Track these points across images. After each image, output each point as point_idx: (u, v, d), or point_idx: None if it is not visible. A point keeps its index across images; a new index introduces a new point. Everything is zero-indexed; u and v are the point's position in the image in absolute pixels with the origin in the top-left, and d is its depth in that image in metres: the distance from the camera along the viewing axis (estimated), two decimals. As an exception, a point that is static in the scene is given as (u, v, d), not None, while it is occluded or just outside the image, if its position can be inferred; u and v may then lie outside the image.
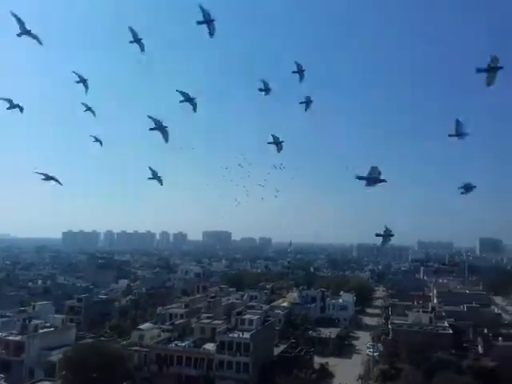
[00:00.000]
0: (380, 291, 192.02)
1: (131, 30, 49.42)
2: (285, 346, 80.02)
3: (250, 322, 73.91)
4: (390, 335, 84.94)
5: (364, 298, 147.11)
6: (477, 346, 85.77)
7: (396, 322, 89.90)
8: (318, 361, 76.40)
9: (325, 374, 71.05)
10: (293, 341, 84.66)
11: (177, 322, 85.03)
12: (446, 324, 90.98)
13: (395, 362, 69.42)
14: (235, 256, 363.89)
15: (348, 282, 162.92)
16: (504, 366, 66.76)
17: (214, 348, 69.38)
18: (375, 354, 79.46)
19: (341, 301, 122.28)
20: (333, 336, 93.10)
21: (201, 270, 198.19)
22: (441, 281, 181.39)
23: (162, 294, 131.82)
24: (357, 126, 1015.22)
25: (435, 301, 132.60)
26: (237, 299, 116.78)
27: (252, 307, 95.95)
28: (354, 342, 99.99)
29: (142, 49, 49.84)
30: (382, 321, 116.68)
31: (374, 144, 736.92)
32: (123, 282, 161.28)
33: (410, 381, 58.76)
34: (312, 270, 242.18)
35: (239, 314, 77.33)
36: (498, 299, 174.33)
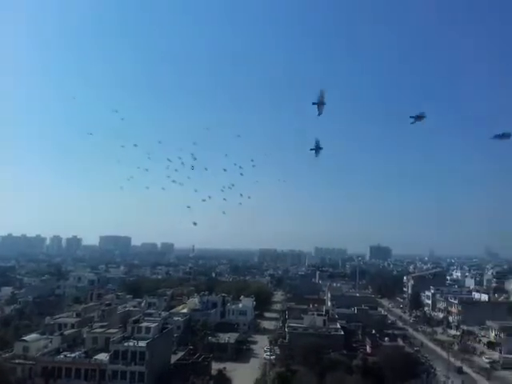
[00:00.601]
0: (279, 295, 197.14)
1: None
2: (183, 353, 78.44)
3: (147, 329, 71.34)
4: (287, 338, 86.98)
5: (263, 302, 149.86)
6: (365, 346, 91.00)
7: (292, 325, 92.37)
8: (216, 367, 75.82)
9: (222, 379, 70.70)
10: (191, 347, 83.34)
11: (66, 332, 79.35)
12: (338, 326, 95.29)
13: (291, 365, 71.06)
14: (134, 262, 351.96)
15: (248, 286, 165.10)
16: (388, 363, 71.61)
17: (107, 358, 65.72)
18: (272, 357, 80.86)
19: (240, 306, 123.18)
20: (232, 341, 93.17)
21: (95, 276, 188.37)
22: (335, 285, 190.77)
23: (50, 302, 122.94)
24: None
25: (329, 304, 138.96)
26: (134, 307, 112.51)
27: (150, 314, 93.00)
28: (253, 347, 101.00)
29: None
30: (279, 324, 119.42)
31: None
32: (6, 290, 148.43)
33: (304, 382, 60.39)
34: (214, 275, 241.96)
35: (136, 322, 74.28)
36: (385, 301, 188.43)
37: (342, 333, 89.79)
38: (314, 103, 51.17)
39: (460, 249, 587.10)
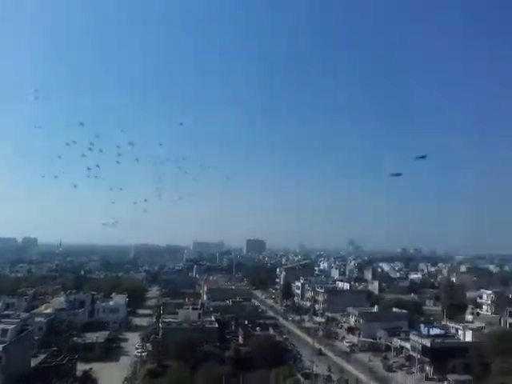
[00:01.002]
0: (154, 291, 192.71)
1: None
2: (45, 355, 72.09)
3: (4, 332, 64.10)
4: (160, 334, 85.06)
5: (137, 298, 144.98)
6: (238, 337, 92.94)
7: (166, 320, 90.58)
8: (82, 367, 71.06)
9: (87, 380, 66.58)
10: (55, 349, 76.99)
11: None
12: (213, 318, 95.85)
13: (163, 360, 69.64)
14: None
15: (121, 283, 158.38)
16: (259, 352, 74.12)
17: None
18: (143, 354, 78.35)
19: (111, 303, 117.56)
20: (100, 340, 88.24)
21: None
22: (211, 278, 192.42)
23: None
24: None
25: (205, 297, 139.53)
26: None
27: (7, 316, 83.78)
28: (123, 345, 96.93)
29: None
30: (153, 320, 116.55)
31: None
32: None
33: (176, 376, 59.53)
34: (83, 272, 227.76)
35: (-11, 324, 66.24)
36: (259, 293, 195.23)
37: (217, 325, 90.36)
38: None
39: (328, 242, 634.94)
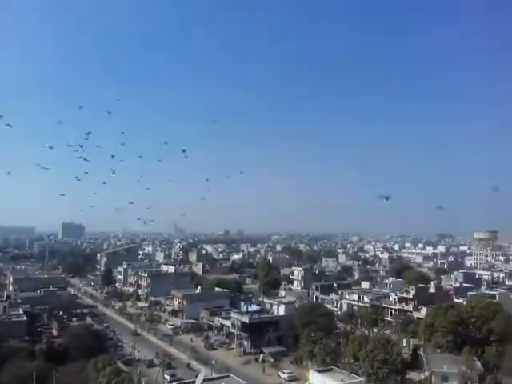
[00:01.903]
0: None
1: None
2: None
3: None
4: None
5: None
6: (51, 329, 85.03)
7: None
8: None
9: None
10: None
11: None
12: (21, 311, 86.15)
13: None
14: None
15: None
16: (75, 343, 68.68)
17: None
18: None
19: None
20: None
21: None
22: (19, 267, 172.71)
23: None
24: None
25: (11, 288, 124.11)
26: None
27: None
28: None
29: None
30: None
31: None
32: None
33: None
34: None
35: None
36: (77, 281, 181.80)
37: (25, 318, 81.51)
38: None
39: (152, 225, 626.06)
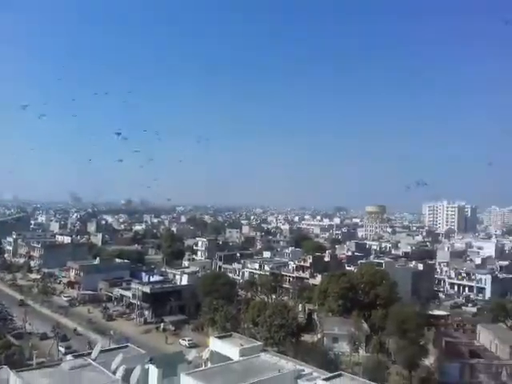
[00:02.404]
0: None
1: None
2: None
3: None
4: None
5: None
6: None
7: None
8: None
9: None
10: None
11: None
12: None
13: None
14: None
15: None
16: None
17: None
18: None
19: None
20: None
21: None
22: None
23: None
24: None
25: None
26: None
27: None
28: None
29: None
30: None
31: None
32: None
33: None
34: None
35: None
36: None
37: None
38: None
39: (47, 194, 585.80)
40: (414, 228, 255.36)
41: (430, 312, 77.91)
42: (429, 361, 54.86)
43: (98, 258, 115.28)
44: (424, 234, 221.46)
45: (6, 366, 23.63)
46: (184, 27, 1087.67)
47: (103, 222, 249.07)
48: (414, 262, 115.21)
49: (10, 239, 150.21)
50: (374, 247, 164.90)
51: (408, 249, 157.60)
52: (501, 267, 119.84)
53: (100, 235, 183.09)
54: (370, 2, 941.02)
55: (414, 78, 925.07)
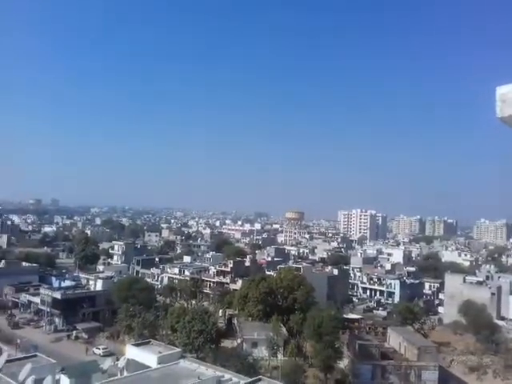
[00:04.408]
0: None
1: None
2: None
3: None
4: None
5: None
6: None
7: None
8: None
9: None
10: None
11: None
12: None
13: None
14: None
15: None
16: None
17: None
18: None
19: None
20: None
21: None
22: None
23: None
24: None
25: None
26: None
27: None
28: None
29: None
30: None
31: None
32: None
33: None
34: None
35: None
36: None
37: None
38: None
39: None
40: (330, 234, 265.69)
41: (345, 315, 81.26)
42: (343, 363, 57.10)
43: (2, 261, 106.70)
44: (339, 240, 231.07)
45: None
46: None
47: (9, 222, 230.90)
48: (329, 267, 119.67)
49: None
50: (293, 252, 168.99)
51: (324, 254, 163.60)
52: (408, 273, 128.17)
53: (5, 236, 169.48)
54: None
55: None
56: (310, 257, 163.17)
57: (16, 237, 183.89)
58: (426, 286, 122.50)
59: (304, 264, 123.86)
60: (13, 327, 74.87)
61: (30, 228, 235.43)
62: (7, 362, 26.87)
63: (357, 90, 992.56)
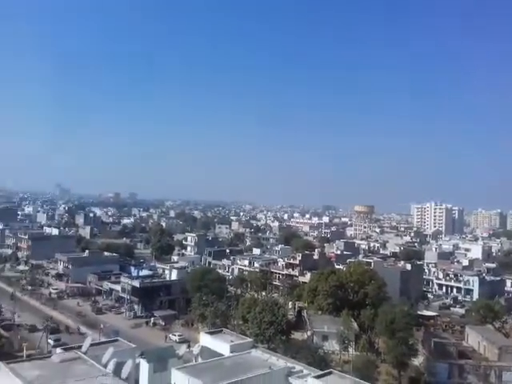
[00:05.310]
0: None
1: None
2: None
3: None
4: None
5: None
6: None
7: None
8: None
9: None
10: None
11: None
12: None
13: None
14: None
15: None
16: None
17: None
18: None
19: None
20: None
21: None
22: None
23: None
24: None
25: None
26: None
27: None
28: None
29: None
30: None
31: None
32: None
33: None
34: None
35: None
36: None
37: None
38: None
39: (33, 184, 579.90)
40: (402, 228, 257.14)
41: (419, 312, 78.60)
42: (418, 361, 55.39)
43: (86, 251, 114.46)
44: (412, 234, 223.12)
45: (-5, 358, 23.30)
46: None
47: (91, 215, 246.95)
48: (402, 262, 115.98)
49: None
50: (363, 246, 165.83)
51: (396, 249, 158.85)
52: (488, 269, 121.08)
53: (88, 228, 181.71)
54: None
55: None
56: (381, 251, 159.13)
57: (98, 228, 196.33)
58: (508, 283, 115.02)
59: (375, 258, 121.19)
60: (96, 313, 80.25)
61: (111, 220, 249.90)
62: (91, 345, 28.88)
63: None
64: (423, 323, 70.79)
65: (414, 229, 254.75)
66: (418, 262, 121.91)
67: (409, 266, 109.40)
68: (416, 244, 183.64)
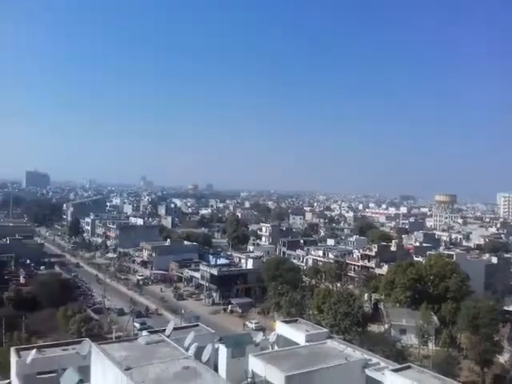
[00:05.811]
0: None
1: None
2: None
3: None
4: None
5: None
6: (19, 277, 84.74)
7: None
8: None
9: None
10: None
11: None
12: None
13: None
14: None
15: None
16: (44, 291, 68.95)
17: None
18: None
19: None
20: None
21: None
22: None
23: None
24: None
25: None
26: None
27: None
28: None
29: None
30: None
31: None
32: None
33: None
34: None
35: None
36: (43, 230, 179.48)
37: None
38: None
39: (120, 177, 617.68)
40: (488, 219, 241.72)
41: (506, 308, 74.22)
42: (503, 358, 52.70)
43: (168, 240, 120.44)
44: (498, 225, 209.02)
45: (87, 339, 25.66)
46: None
47: (172, 206, 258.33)
48: (487, 255, 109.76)
49: (88, 220, 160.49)
50: (444, 238, 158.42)
51: (481, 241, 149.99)
52: None
53: (170, 218, 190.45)
54: None
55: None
56: (464, 243, 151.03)
57: (178, 218, 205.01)
58: None
59: (457, 251, 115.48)
60: (178, 299, 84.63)
61: (190, 210, 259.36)
62: (174, 329, 30.79)
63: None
64: (510, 319, 66.78)
65: (501, 220, 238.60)
66: (506, 255, 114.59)
67: (495, 259, 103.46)
68: (503, 236, 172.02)
